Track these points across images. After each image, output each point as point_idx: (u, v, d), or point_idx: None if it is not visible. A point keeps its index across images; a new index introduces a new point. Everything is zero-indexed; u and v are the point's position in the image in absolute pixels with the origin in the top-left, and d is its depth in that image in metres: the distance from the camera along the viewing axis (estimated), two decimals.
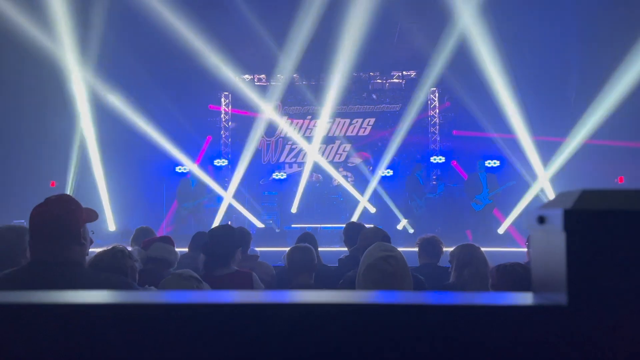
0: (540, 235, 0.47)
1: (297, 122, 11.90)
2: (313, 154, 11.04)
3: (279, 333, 0.41)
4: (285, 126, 11.59)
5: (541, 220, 0.46)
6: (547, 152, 9.69)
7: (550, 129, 9.52)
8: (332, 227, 10.05)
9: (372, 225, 3.95)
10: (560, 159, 9.45)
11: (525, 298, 0.47)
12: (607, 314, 0.40)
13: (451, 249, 3.39)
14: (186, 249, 4.26)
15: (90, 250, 2.55)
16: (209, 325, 0.42)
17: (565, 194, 0.45)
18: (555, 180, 9.46)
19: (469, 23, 8.58)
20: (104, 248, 2.55)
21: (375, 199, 10.73)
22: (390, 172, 10.94)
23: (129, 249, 2.74)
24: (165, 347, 0.43)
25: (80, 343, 0.43)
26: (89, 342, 0.43)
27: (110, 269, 2.35)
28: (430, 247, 3.68)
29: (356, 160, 11.35)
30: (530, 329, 0.43)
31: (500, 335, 0.43)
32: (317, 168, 11.31)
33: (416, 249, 3.95)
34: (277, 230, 10.20)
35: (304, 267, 3.29)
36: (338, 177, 11.07)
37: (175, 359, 0.43)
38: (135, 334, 0.44)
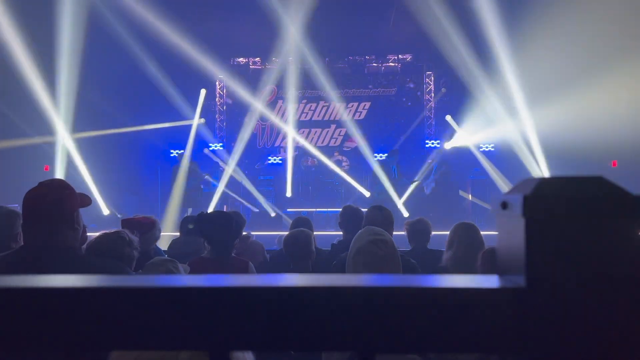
0: (504, 220, 0.49)
1: (293, 106, 11.84)
2: (296, 137, 11.06)
3: (263, 316, 0.43)
4: (281, 110, 11.52)
5: (504, 205, 0.48)
6: (544, 133, 9.68)
7: (548, 109, 9.47)
8: (327, 212, 10.06)
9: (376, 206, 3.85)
10: (557, 141, 9.42)
11: (490, 281, 0.49)
12: (562, 295, 0.42)
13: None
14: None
15: (88, 234, 2.49)
16: (196, 308, 0.43)
17: (528, 180, 0.46)
18: (551, 162, 9.49)
19: (465, 6, 8.53)
20: (106, 231, 2.45)
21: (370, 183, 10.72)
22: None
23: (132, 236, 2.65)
24: (151, 329, 0.45)
25: (63, 327, 0.45)
26: (73, 326, 0.45)
27: (108, 255, 2.30)
28: (417, 231, 3.68)
29: (351, 144, 11.32)
30: (491, 310, 0.44)
31: (463, 316, 0.44)
32: (311, 153, 11.29)
33: None
34: (273, 215, 10.21)
35: (302, 252, 3.14)
36: (329, 163, 11.03)
37: (160, 338, 0.45)
38: (122, 317, 0.45)
